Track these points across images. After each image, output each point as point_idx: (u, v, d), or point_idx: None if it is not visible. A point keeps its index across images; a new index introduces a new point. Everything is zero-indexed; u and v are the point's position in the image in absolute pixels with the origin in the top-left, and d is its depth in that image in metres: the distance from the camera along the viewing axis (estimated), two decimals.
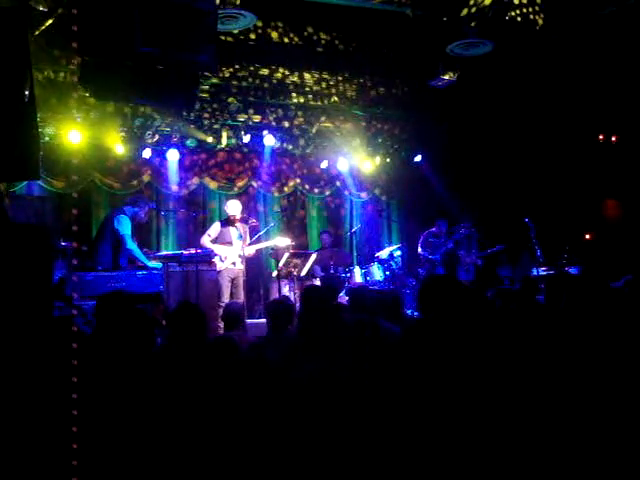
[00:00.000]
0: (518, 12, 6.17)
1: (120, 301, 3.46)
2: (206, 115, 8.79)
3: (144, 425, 2.69)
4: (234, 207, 7.82)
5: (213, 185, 9.53)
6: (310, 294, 4.45)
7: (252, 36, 7.60)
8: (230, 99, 8.64)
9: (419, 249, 9.25)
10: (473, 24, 6.29)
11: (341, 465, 2.35)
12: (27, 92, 2.90)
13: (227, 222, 7.83)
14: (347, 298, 6.45)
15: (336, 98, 8.93)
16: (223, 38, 7.09)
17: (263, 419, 2.45)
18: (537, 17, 6.25)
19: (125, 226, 6.99)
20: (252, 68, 8.18)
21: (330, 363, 2.89)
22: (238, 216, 7.79)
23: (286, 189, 10.06)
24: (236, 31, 6.78)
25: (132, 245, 6.94)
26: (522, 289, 5.26)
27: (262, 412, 2.47)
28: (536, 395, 2.58)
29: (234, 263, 7.61)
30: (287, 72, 8.41)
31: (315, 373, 2.59)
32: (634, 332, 2.88)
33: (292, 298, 7.77)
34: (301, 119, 9.29)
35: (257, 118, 9.01)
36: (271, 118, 9.07)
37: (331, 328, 3.31)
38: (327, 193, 10.37)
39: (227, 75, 8.17)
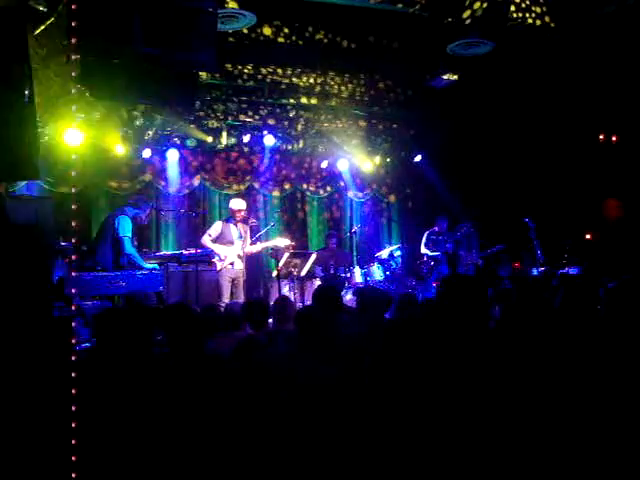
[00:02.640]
0: (518, 12, 6.16)
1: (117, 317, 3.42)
2: (206, 115, 8.79)
3: (148, 423, 2.69)
4: (239, 203, 7.82)
5: (213, 185, 9.53)
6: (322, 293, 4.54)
7: (252, 36, 7.59)
8: (230, 99, 8.63)
9: (422, 248, 9.30)
10: (474, 24, 6.29)
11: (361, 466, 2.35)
12: (27, 92, 2.90)
13: (229, 220, 7.82)
14: (354, 298, 6.46)
15: (336, 98, 8.92)
16: (223, 38, 7.07)
17: (272, 418, 2.45)
18: (537, 14, 6.24)
19: (126, 228, 6.95)
20: (252, 68, 8.16)
21: (336, 362, 2.89)
22: (243, 212, 7.77)
23: (286, 189, 10.06)
24: (236, 31, 6.77)
25: (131, 249, 6.90)
26: (513, 289, 5.27)
27: (272, 410, 2.47)
28: (533, 396, 2.58)
29: (233, 263, 7.60)
30: (287, 72, 8.39)
31: (330, 378, 2.59)
32: (624, 332, 2.88)
33: (292, 298, 7.78)
34: (301, 119, 9.29)
35: (257, 118, 9.00)
36: (271, 118, 9.07)
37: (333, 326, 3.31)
38: (327, 193, 10.37)
39: (227, 75, 8.15)
